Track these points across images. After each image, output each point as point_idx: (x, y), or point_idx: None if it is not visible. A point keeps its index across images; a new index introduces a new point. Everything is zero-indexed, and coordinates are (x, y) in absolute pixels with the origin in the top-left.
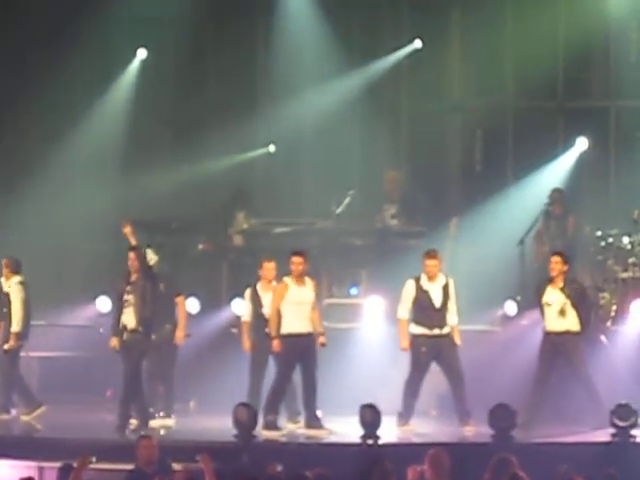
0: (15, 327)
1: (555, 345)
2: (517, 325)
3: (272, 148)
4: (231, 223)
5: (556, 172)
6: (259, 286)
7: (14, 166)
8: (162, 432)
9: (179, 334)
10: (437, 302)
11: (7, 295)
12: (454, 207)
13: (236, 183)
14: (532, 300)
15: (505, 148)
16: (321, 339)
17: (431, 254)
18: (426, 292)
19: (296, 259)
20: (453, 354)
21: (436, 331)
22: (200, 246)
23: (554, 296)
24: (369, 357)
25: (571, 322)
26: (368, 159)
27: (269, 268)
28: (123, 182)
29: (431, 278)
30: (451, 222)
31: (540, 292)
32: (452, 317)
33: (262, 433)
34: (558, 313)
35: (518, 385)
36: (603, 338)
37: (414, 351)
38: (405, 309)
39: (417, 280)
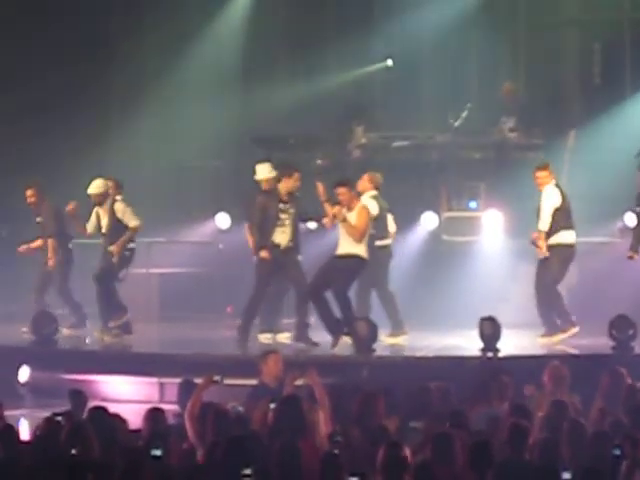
0: None
1: None
2: None
3: (390, 62)
4: (349, 137)
5: None
6: None
7: (129, 87)
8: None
9: None
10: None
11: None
12: (572, 120)
13: (354, 98)
14: None
15: (623, 61)
16: None
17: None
18: None
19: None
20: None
21: None
22: (318, 161)
23: None
24: (488, 270)
25: None
26: (486, 73)
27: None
28: (239, 99)
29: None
30: (569, 134)
31: None
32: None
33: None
34: None
35: (638, 297)
36: None
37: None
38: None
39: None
